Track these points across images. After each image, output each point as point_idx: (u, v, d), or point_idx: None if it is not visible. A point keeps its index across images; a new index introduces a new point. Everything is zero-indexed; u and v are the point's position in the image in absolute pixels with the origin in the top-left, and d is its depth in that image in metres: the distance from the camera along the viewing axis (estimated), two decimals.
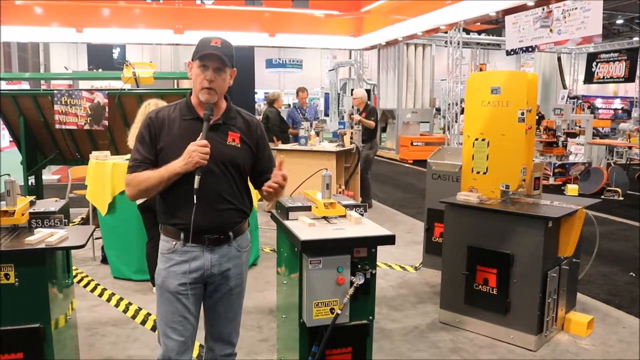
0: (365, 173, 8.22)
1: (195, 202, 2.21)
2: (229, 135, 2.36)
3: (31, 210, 2.92)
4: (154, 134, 2.34)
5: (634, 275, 5.54)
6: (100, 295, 4.70)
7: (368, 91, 18.44)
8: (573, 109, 15.28)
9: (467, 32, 17.28)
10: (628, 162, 12.66)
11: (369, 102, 8.85)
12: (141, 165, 2.31)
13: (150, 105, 4.21)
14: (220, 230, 2.36)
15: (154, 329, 3.93)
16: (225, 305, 2.48)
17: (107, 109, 6.47)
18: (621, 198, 9.51)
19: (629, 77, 18.47)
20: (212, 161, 2.25)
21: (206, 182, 2.24)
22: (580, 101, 18.02)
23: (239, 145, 2.38)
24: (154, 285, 2.72)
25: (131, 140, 4.16)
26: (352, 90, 17.85)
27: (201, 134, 2.26)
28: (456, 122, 13.85)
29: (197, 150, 2.19)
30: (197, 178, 2.20)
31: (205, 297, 2.45)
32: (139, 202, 4.14)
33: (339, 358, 2.68)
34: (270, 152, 2.59)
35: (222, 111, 2.39)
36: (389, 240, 2.62)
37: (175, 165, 2.22)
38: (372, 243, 2.63)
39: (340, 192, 6.96)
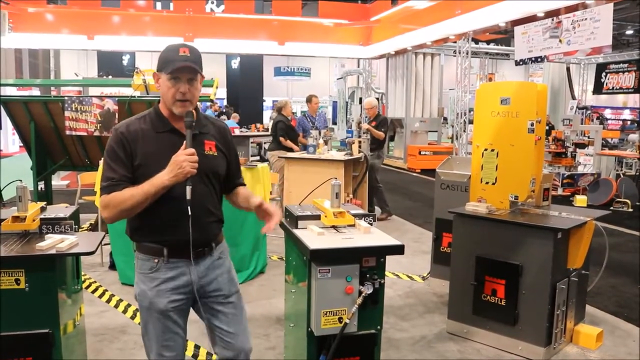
0: (376, 182, 8.19)
1: (190, 213, 2.13)
2: (205, 144, 2.29)
3: (42, 216, 2.94)
4: (128, 150, 2.20)
5: None
6: (108, 301, 4.72)
7: (377, 100, 18.44)
8: (582, 119, 15.21)
9: (476, 41, 17.27)
10: (637, 174, 12.58)
11: (380, 112, 8.83)
12: (119, 184, 2.16)
13: None
14: (205, 243, 2.31)
15: None
16: (231, 315, 2.40)
17: (117, 116, 6.51)
18: (630, 209, 9.44)
19: (639, 88, 18.38)
20: (197, 173, 2.16)
21: (192, 194, 2.13)
22: (589, 112, 17.92)
23: (216, 154, 2.33)
24: None
25: None
26: (361, 98, 17.87)
27: (185, 142, 2.16)
28: (464, 131, 13.82)
29: (186, 160, 2.09)
30: (188, 188, 2.11)
31: (206, 312, 2.37)
32: None
33: None
34: (237, 154, 2.53)
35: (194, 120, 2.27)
36: (398, 250, 2.63)
37: (163, 178, 2.10)
38: (381, 253, 2.63)
39: (348, 201, 6.96)
